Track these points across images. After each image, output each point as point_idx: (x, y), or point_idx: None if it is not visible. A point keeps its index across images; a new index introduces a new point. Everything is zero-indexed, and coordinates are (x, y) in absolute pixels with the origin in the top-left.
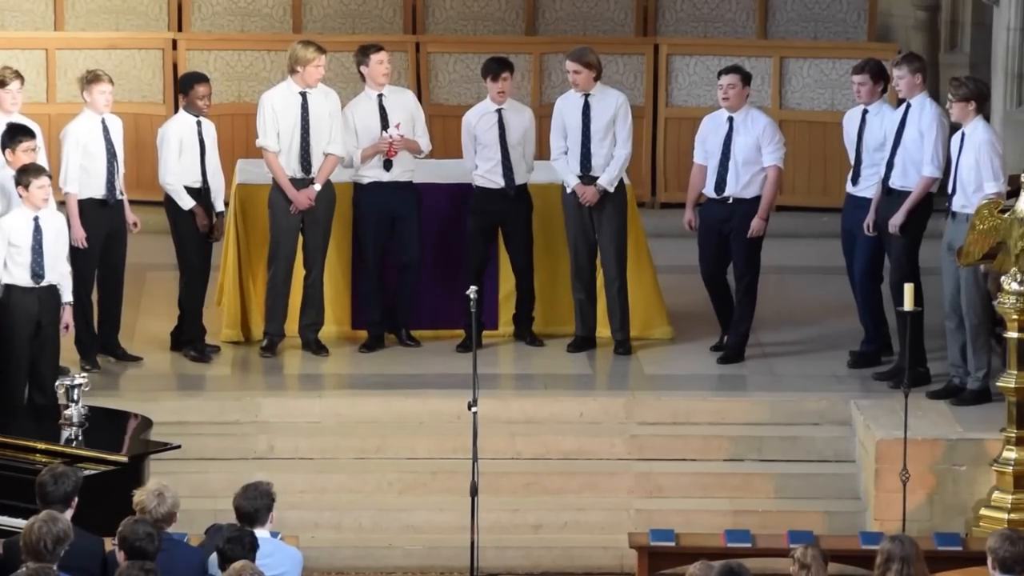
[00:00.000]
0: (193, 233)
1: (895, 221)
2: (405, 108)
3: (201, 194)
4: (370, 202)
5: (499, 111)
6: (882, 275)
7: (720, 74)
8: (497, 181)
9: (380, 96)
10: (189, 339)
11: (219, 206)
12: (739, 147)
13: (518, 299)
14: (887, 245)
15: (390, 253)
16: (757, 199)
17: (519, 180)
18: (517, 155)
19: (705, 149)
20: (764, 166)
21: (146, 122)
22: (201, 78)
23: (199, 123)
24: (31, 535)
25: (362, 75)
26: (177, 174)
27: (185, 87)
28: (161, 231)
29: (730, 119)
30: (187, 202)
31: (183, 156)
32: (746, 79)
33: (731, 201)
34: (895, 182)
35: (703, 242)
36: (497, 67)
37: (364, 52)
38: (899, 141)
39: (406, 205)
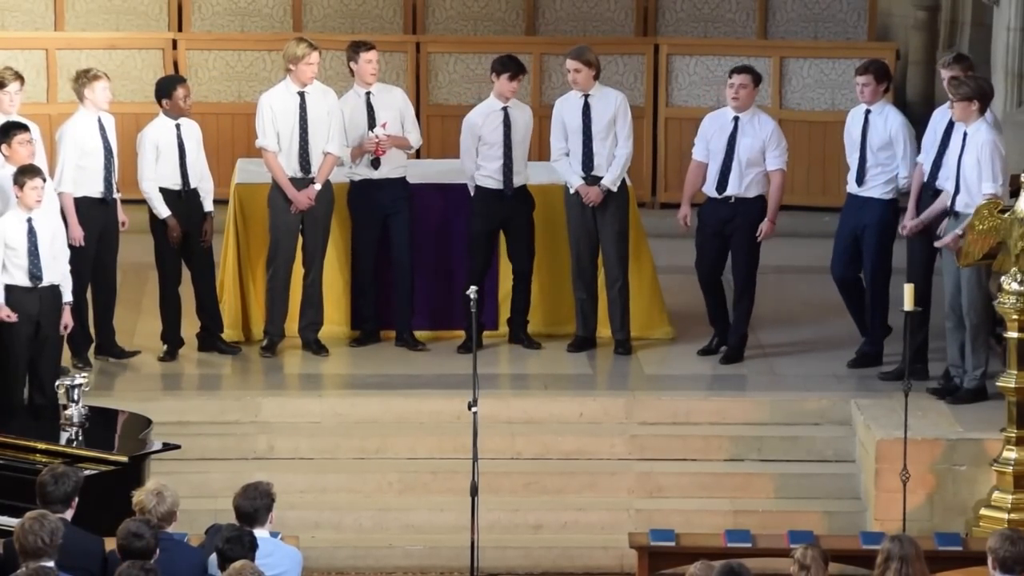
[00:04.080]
0: (166, 242)
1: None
2: (393, 106)
3: (181, 197)
4: (361, 199)
5: (505, 109)
6: (890, 275)
7: (732, 73)
8: (500, 181)
9: (368, 94)
10: (170, 343)
11: (207, 206)
12: (743, 148)
13: (514, 301)
14: (920, 244)
15: (383, 250)
16: (759, 199)
17: (520, 181)
18: (519, 154)
19: (708, 147)
20: (769, 169)
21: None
22: (180, 80)
23: (178, 126)
24: (26, 536)
25: (352, 71)
26: (153, 180)
27: (166, 91)
28: None
29: (736, 119)
30: (162, 211)
31: (160, 161)
32: (757, 80)
33: (733, 201)
34: (942, 183)
35: (703, 242)
36: (518, 68)
37: (355, 49)
38: (947, 142)
39: (397, 202)
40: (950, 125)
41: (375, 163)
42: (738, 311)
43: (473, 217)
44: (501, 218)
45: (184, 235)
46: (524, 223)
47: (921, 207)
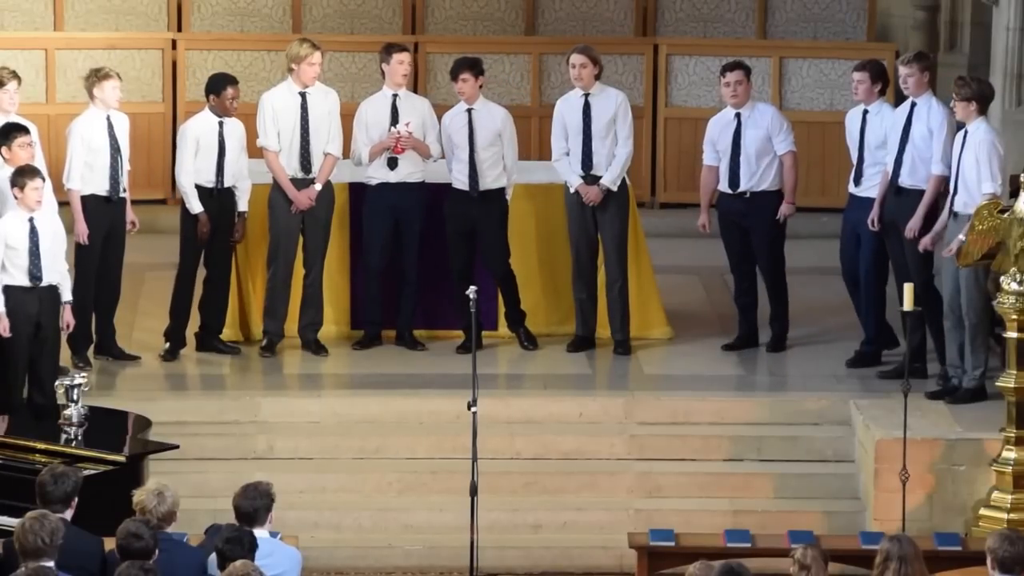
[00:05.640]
0: (193, 238)
1: (913, 226)
2: (418, 113)
3: (213, 195)
4: (377, 203)
5: (469, 111)
6: (887, 275)
7: (724, 71)
8: (465, 183)
9: (395, 96)
10: (174, 342)
11: (242, 205)
12: (749, 141)
13: (503, 302)
14: (891, 245)
15: (391, 254)
16: (773, 192)
17: (489, 184)
18: (487, 157)
19: (716, 150)
20: (779, 154)
21: (144, 122)
22: (232, 80)
23: (221, 124)
24: (26, 536)
25: (383, 73)
26: (190, 174)
27: (217, 88)
28: (160, 231)
29: (737, 115)
30: (195, 206)
31: (200, 156)
32: (748, 73)
33: (748, 196)
34: (904, 181)
35: (726, 236)
36: (456, 68)
37: (387, 51)
38: (907, 139)
39: (413, 208)
40: (908, 123)
41: (391, 163)
42: (774, 307)
43: (446, 217)
44: (470, 220)
45: (211, 233)
46: (491, 227)
47: (885, 206)
